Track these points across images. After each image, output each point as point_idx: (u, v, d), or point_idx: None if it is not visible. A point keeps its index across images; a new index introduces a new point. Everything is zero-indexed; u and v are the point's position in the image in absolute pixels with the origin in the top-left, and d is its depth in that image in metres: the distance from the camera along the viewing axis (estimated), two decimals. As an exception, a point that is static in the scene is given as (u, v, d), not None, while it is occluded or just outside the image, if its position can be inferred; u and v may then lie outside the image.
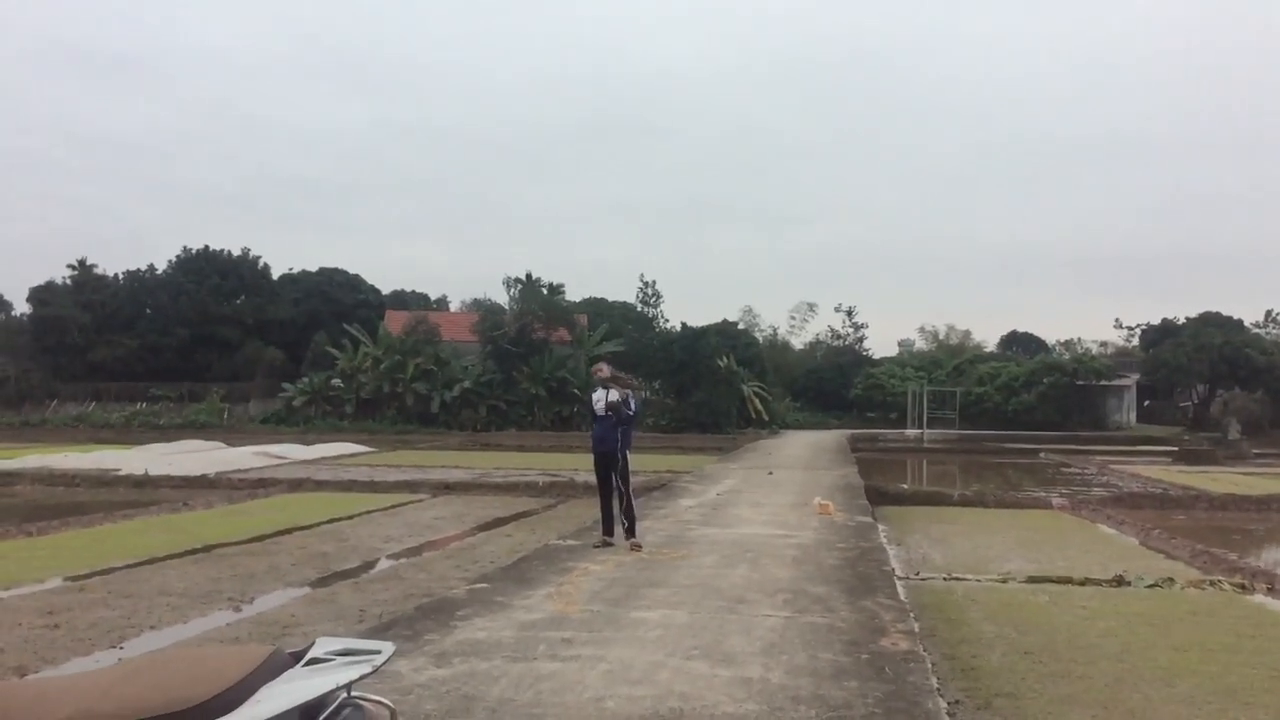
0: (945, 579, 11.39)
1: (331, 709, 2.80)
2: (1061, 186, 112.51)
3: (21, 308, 67.79)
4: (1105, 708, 6.54)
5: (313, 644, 2.98)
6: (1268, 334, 58.67)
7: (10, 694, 2.64)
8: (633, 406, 11.90)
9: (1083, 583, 11.12)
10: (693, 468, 25.04)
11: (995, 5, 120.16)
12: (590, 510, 14.03)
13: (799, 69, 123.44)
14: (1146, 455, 36.23)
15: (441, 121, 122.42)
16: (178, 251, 65.39)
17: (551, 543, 12.40)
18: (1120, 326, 68.41)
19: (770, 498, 17.73)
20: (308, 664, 2.87)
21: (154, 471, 23.62)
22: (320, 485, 21.96)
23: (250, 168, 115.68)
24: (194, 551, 12.95)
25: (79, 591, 10.32)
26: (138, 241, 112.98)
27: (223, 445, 33.63)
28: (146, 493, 20.84)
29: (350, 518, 16.64)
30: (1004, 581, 11.23)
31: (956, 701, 6.60)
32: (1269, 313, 61.53)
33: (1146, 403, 60.68)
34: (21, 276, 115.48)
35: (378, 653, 2.97)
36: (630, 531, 11.69)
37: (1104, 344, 71.96)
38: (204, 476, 23.13)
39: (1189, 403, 56.59)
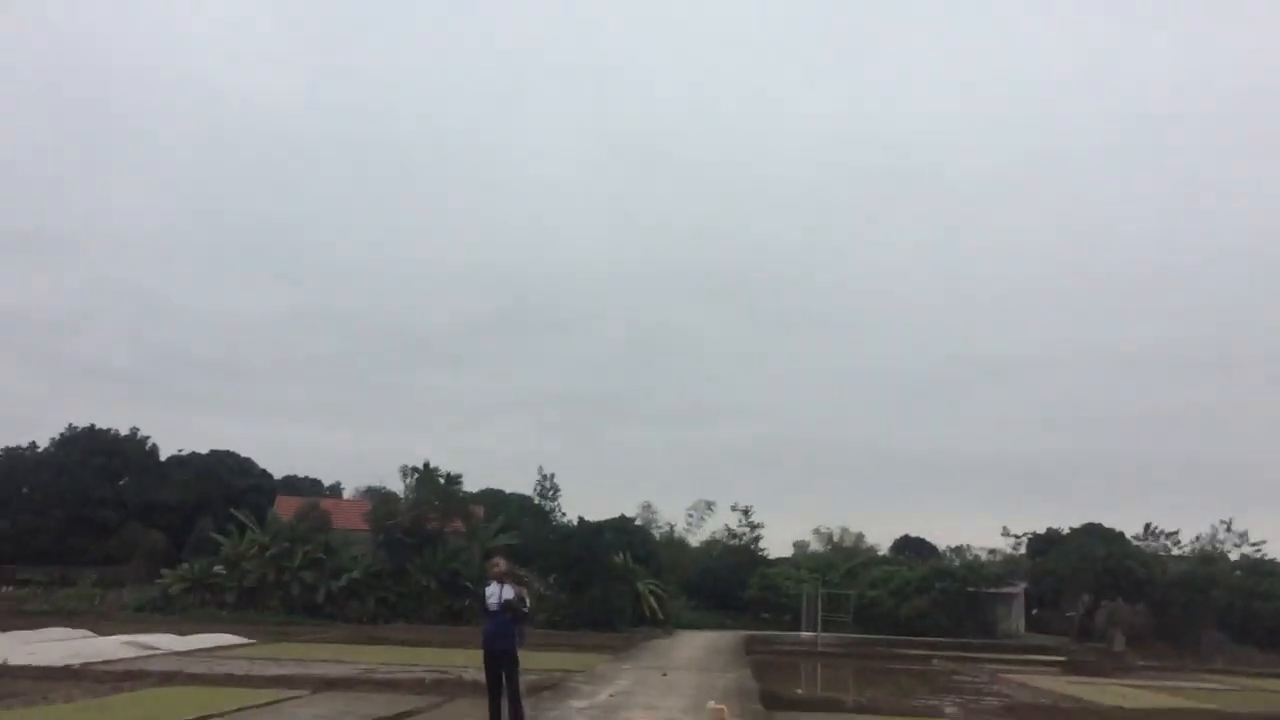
0: (837, 789, 11.25)
1: None
2: (954, 397, 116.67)
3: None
4: None
5: None
6: (1147, 547, 60.43)
7: None
8: (527, 604, 11.78)
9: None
10: (585, 667, 24.52)
11: (898, 227, 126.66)
12: (478, 709, 13.60)
13: (704, 272, 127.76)
14: (1036, 665, 36.56)
15: (344, 306, 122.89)
16: (62, 429, 63.63)
17: (436, 745, 11.97)
18: (1008, 534, 69.79)
19: (664, 700, 17.43)
20: None
21: (13, 661, 22.30)
22: (194, 678, 20.90)
23: (144, 346, 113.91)
24: (51, 749, 12.18)
25: (-80, 792, 9.61)
26: (20, 418, 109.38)
27: (90, 634, 31.88)
28: (3, 684, 19.59)
29: (222, 715, 15.87)
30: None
31: None
32: (1148, 526, 63.51)
33: (1034, 610, 61.50)
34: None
35: None
36: (518, 734, 11.36)
37: (993, 551, 73.21)
38: (67, 667, 21.89)
39: (1074, 612, 57.52)
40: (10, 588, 49.73)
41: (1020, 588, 58.38)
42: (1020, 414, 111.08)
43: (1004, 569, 62.26)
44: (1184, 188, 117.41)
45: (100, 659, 24.35)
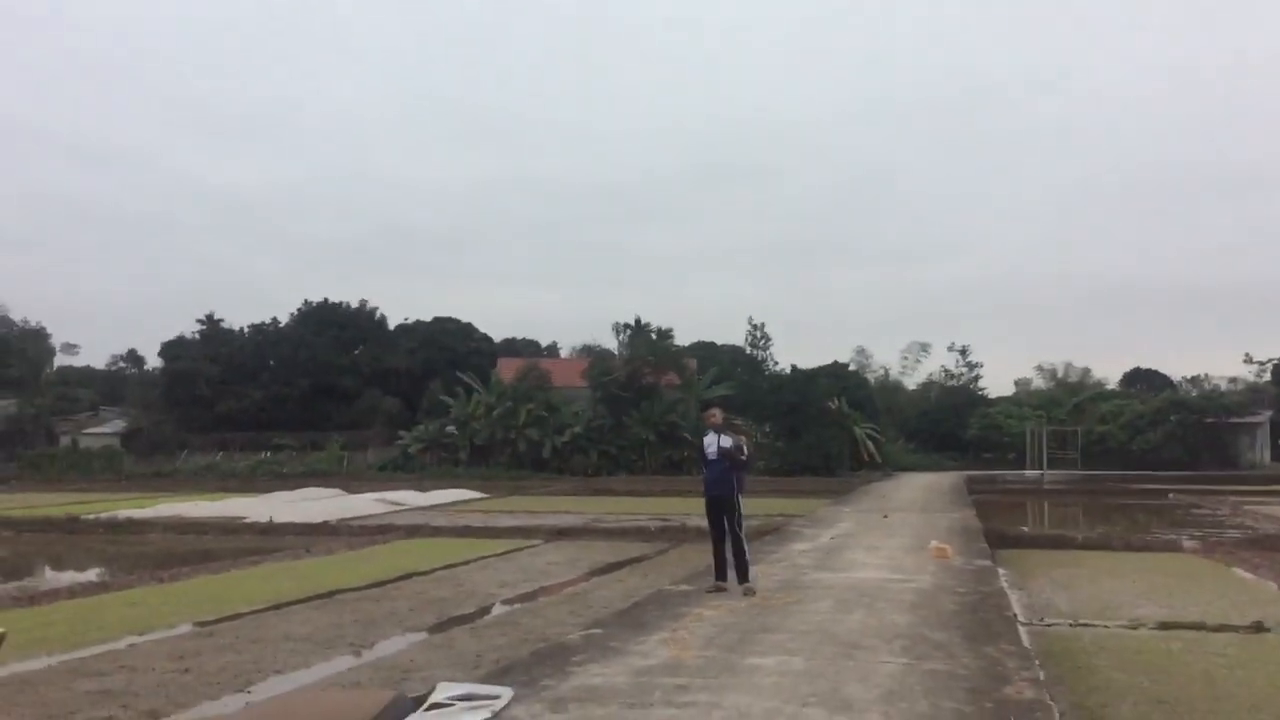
0: (1071, 625, 11.03)
1: (453, 753, 2.85)
2: (1185, 218, 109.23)
3: (154, 362, 71.02)
4: (1246, 761, 6.24)
5: (434, 689, 3.04)
6: None
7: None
8: (745, 452, 11.82)
9: (1218, 629, 10.65)
10: (805, 511, 24.73)
11: (1117, 36, 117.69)
12: (702, 555, 13.95)
13: (913, 108, 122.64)
14: (1284, 495, 34.60)
15: (553, 171, 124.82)
16: (299, 304, 67.72)
17: (665, 588, 12.36)
18: (1251, 361, 65.63)
19: (885, 541, 17.42)
20: (429, 708, 2.93)
21: (278, 519, 24.24)
22: (437, 531, 22.29)
23: (367, 220, 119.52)
24: (317, 597, 13.22)
25: (208, 637, 10.63)
26: (262, 295, 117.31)
27: (342, 493, 34.37)
28: (271, 540, 21.32)
29: (466, 563, 16.83)
30: (1134, 628, 10.82)
31: (1086, 753, 6.37)
32: None
33: (1282, 440, 58.15)
34: (154, 332, 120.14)
35: (497, 698, 3.02)
36: (743, 576, 11.57)
37: (1234, 380, 69.16)
38: (325, 523, 23.64)
39: (1328, 440, 54.09)
40: (267, 453, 54.13)
41: (1265, 416, 55.09)
42: (1262, 233, 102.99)
43: (1247, 398, 58.81)
44: None
45: (353, 515, 26.25)
